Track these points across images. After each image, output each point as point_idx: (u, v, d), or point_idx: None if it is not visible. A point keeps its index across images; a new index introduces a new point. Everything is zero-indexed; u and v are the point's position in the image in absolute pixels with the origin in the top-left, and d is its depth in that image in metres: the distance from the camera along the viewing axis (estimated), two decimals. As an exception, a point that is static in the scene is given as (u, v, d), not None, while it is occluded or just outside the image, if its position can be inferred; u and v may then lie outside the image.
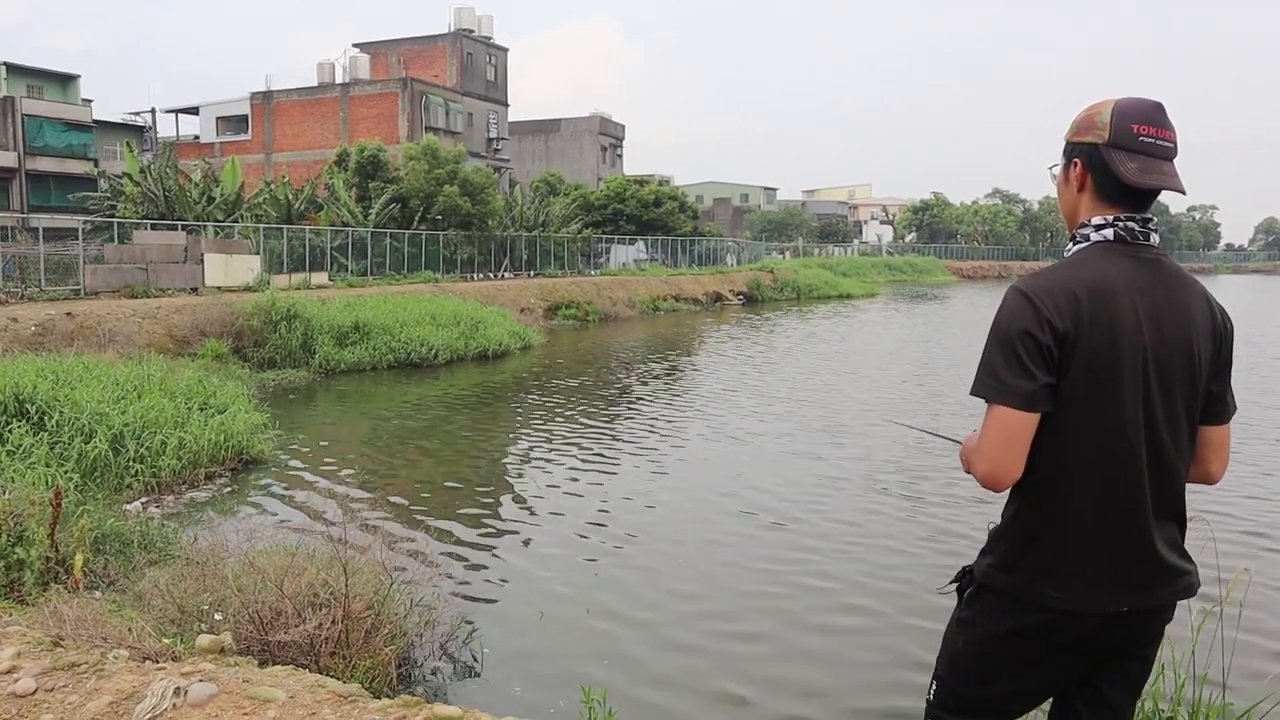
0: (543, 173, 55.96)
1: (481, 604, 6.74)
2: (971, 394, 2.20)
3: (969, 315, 40.44)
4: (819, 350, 24.97)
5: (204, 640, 4.34)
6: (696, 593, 7.04)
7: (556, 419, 14.12)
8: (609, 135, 68.99)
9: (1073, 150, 2.33)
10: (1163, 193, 2.27)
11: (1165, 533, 2.25)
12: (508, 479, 10.71)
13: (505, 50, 57.11)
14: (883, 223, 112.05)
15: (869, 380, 18.87)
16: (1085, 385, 2.16)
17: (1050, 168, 2.43)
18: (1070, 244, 2.35)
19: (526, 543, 8.29)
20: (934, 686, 2.47)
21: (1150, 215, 2.29)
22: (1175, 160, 2.27)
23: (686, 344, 27.12)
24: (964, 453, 2.30)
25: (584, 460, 11.39)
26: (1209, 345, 2.28)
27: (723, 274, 48.46)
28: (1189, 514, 2.31)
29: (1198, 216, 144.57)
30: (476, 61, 53.99)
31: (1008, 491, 2.27)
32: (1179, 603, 2.32)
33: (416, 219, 33.90)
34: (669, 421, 14.02)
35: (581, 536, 8.43)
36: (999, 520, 2.35)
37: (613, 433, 13.12)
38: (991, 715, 2.41)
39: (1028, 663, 2.31)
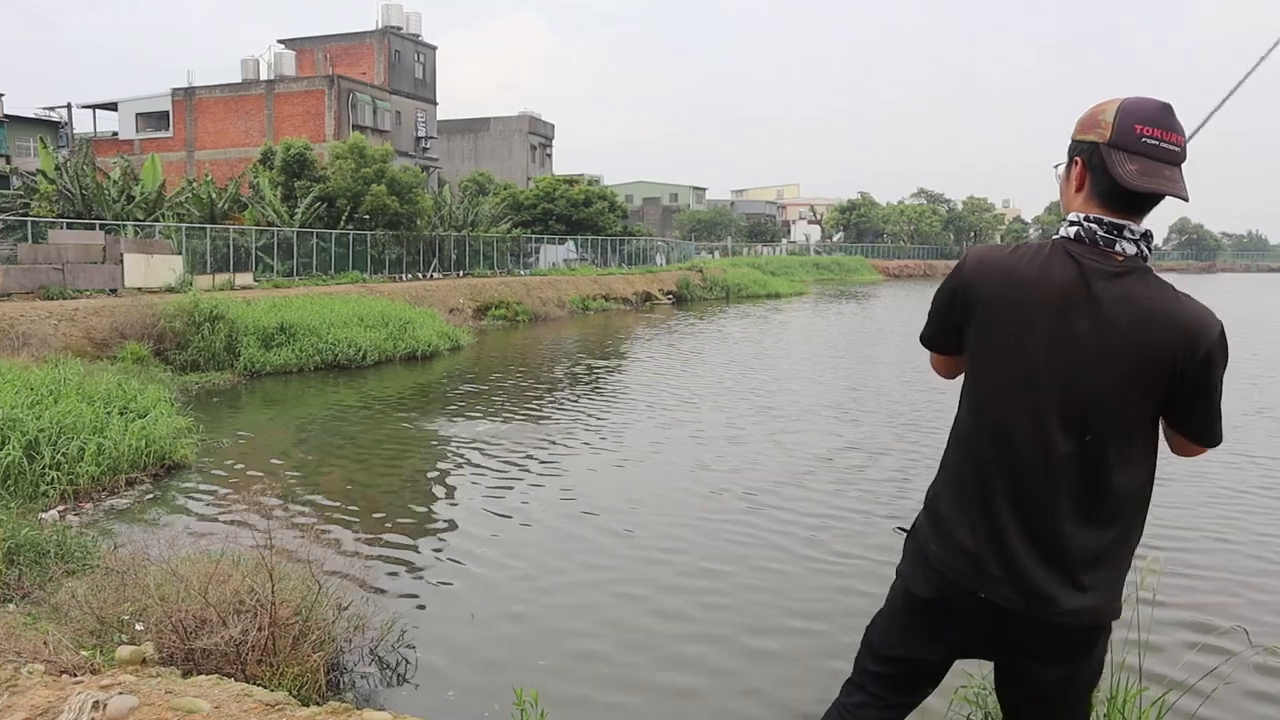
0: (471, 172, 55.63)
1: (413, 606, 6.68)
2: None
3: (896, 314, 41.07)
4: (749, 349, 25.16)
5: (124, 651, 4.24)
6: (632, 592, 7.06)
7: (486, 420, 14.04)
8: (538, 134, 68.76)
9: (1074, 148, 2.26)
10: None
11: (1044, 540, 2.17)
12: (437, 480, 10.62)
13: (434, 48, 56.56)
14: (810, 222, 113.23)
15: (802, 377, 19.06)
16: (980, 355, 2.31)
17: (1055, 166, 2.36)
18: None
19: (458, 544, 8.23)
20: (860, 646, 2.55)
21: (1126, 224, 2.19)
22: (1182, 165, 2.18)
23: (617, 344, 27.14)
24: None
25: (514, 461, 11.34)
26: (1150, 367, 2.13)
27: (652, 273, 48.56)
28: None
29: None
30: (404, 59, 53.39)
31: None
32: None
33: (343, 218, 33.41)
34: (600, 420, 14.03)
35: (513, 536, 8.41)
36: None
37: (543, 432, 13.09)
38: (894, 684, 2.44)
39: (922, 626, 2.36)
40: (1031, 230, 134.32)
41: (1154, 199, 2.17)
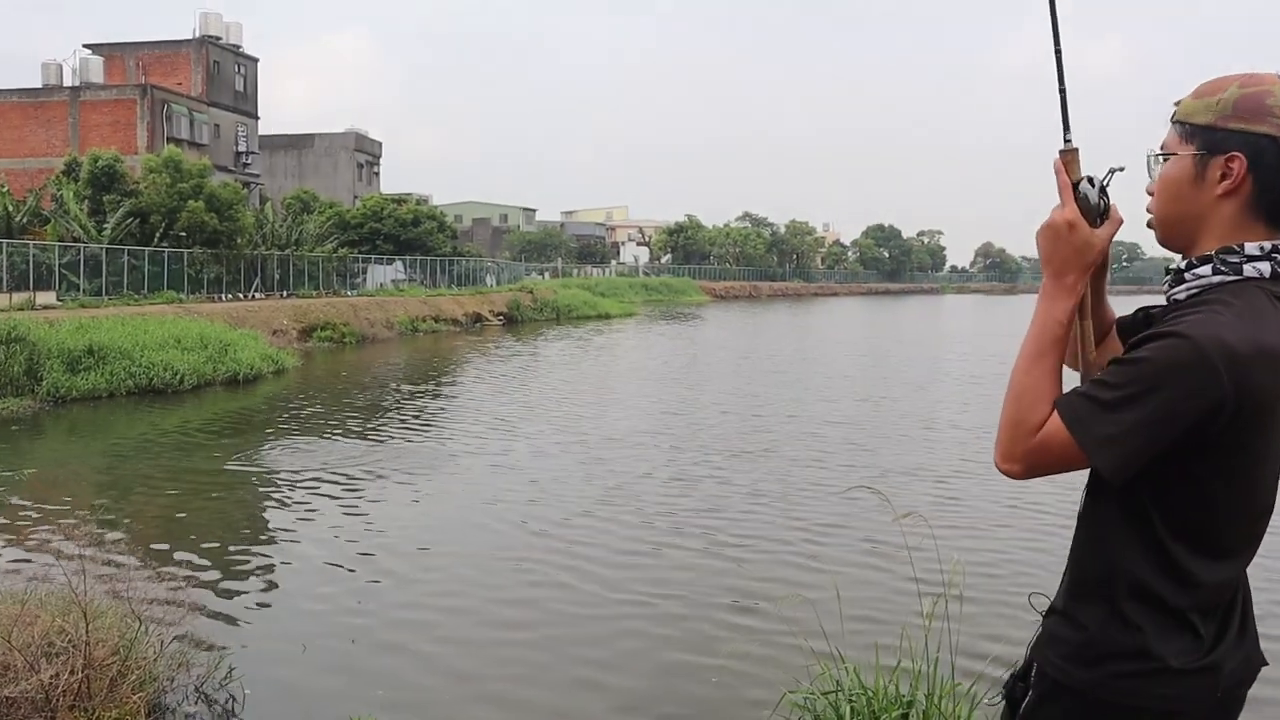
0: (295, 189, 54.07)
1: (241, 640, 6.58)
2: None
3: (719, 333, 42.23)
4: (574, 372, 25.45)
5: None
6: (465, 622, 7.12)
7: (310, 447, 13.77)
8: (365, 152, 67.52)
9: (1225, 139, 1.66)
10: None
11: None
12: (262, 508, 10.40)
13: (255, 60, 54.86)
14: (639, 244, 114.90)
15: (621, 403, 19.43)
16: (1240, 473, 1.71)
17: (1156, 155, 1.80)
18: (1192, 269, 1.73)
19: (286, 574, 8.12)
20: None
21: None
22: None
23: (444, 367, 26.98)
24: None
25: (338, 489, 11.19)
26: None
27: (482, 294, 48.38)
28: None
29: (926, 240, 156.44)
30: (224, 70, 51.58)
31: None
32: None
33: (158, 235, 32.03)
34: (429, 445, 13.98)
35: (343, 566, 8.33)
36: None
37: (372, 457, 12.95)
38: None
39: None
40: (850, 253, 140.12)
41: None
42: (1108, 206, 1.76)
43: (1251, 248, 1.67)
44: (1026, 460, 1.71)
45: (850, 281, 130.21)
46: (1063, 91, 1.81)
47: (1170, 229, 1.79)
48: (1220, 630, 1.74)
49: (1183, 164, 1.72)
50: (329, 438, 14.51)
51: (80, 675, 4.86)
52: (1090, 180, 1.76)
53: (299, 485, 11.33)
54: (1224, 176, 1.67)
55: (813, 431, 15.42)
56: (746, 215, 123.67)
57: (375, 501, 10.68)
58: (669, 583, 7.91)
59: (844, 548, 8.79)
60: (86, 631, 4.95)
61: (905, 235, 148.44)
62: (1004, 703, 1.94)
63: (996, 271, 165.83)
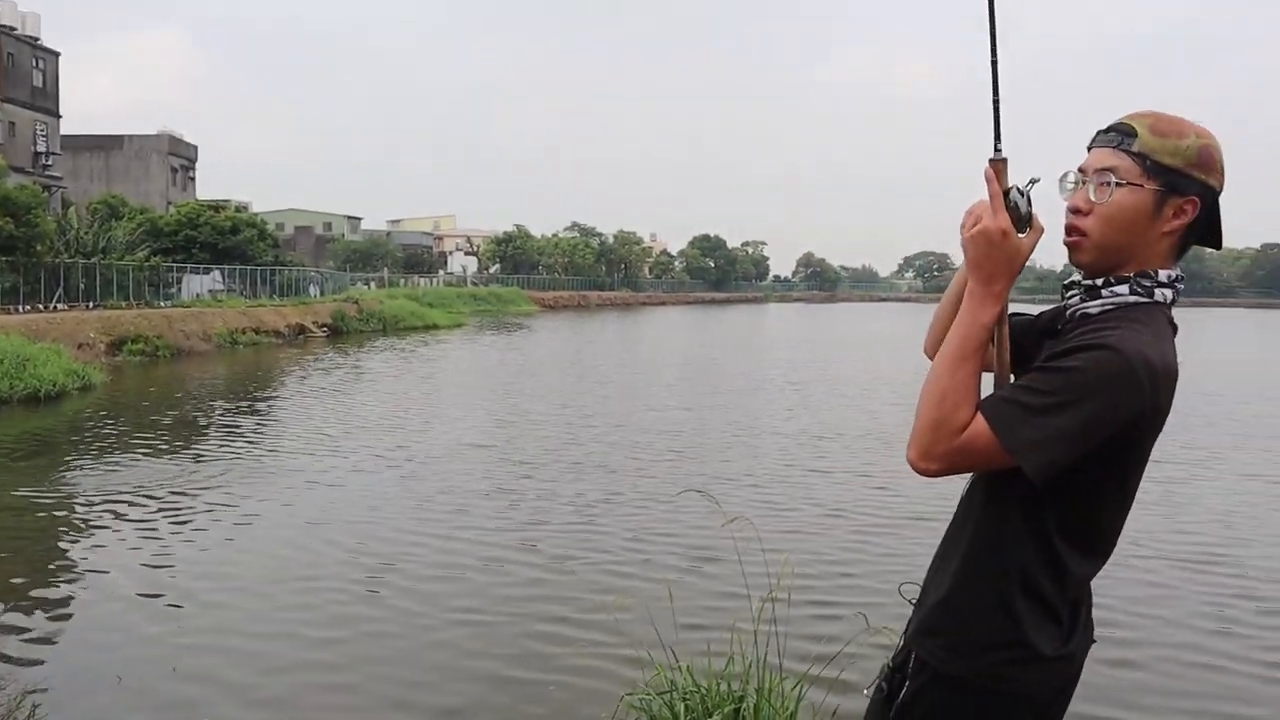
0: (102, 194, 51.26)
1: (48, 674, 6.25)
2: None
3: (548, 343, 42.32)
4: (401, 384, 25.08)
5: None
6: (286, 646, 6.95)
7: (120, 466, 13.13)
8: (180, 156, 64.64)
9: (1186, 184, 1.82)
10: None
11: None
12: (66, 535, 9.87)
13: (56, 54, 51.77)
14: (467, 254, 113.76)
15: (448, 416, 19.29)
16: (1128, 479, 1.90)
17: (1112, 182, 1.84)
18: (1109, 286, 1.88)
19: (92, 605, 7.73)
20: None
21: None
22: None
23: (266, 379, 26.11)
24: None
25: (153, 510, 10.71)
26: None
27: (306, 305, 46.92)
28: None
29: (750, 251, 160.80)
30: (20, 64, 48.41)
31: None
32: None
33: (-55, 242, 29.79)
34: (246, 463, 13.52)
35: (153, 593, 7.99)
36: None
37: (185, 478, 12.43)
38: None
39: None
40: (677, 263, 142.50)
41: None
42: (1032, 216, 1.84)
43: (1163, 275, 1.85)
44: (947, 459, 1.80)
45: (677, 290, 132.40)
46: (996, 103, 1.90)
47: (1108, 254, 1.87)
48: (1074, 621, 1.93)
49: (1142, 198, 1.82)
50: (139, 458, 13.84)
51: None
52: (1019, 190, 1.84)
53: (106, 509, 10.78)
54: (1176, 216, 1.83)
55: (640, 440, 15.72)
56: (575, 225, 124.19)
57: (188, 524, 10.26)
58: (499, 597, 7.95)
59: (675, 554, 9.03)
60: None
61: (730, 245, 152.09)
62: (879, 695, 2.08)
63: (817, 280, 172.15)
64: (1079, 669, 1.99)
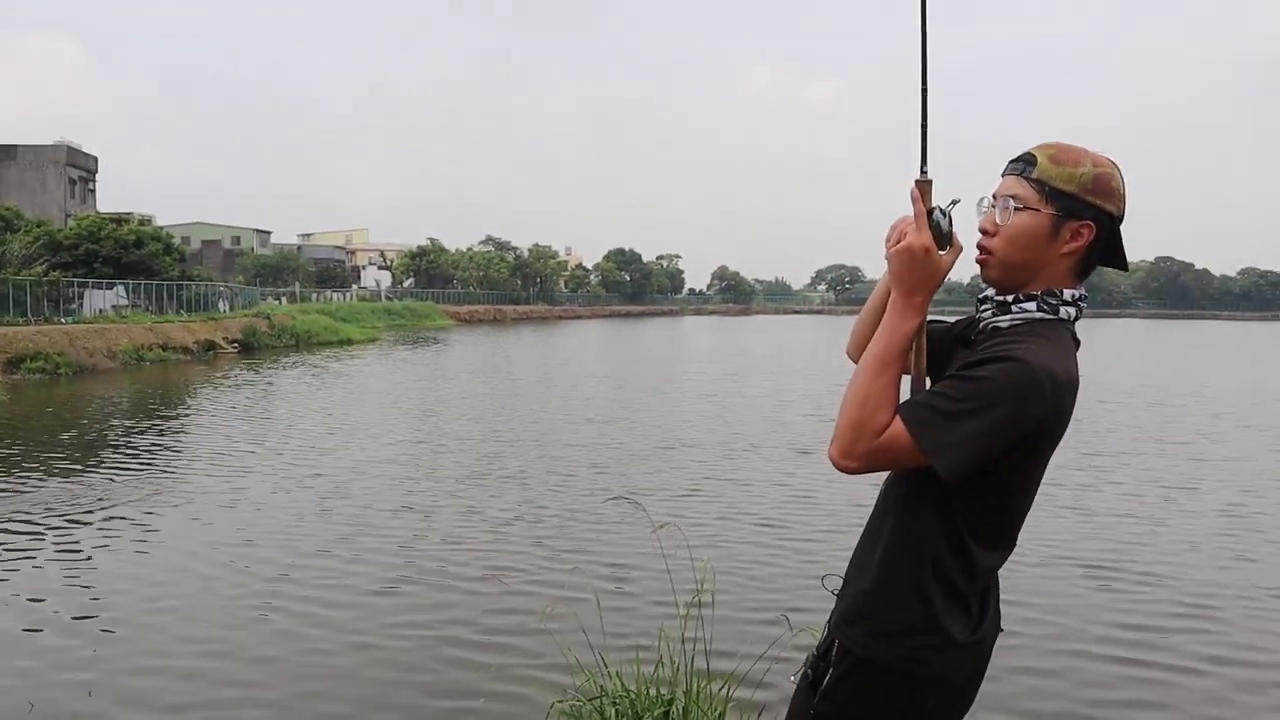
0: (-4, 206, 49.45)
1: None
2: None
3: (464, 357, 42.01)
4: (318, 400, 24.68)
5: None
6: (196, 686, 6.75)
7: (23, 488, 12.70)
8: (79, 167, 62.76)
9: (1083, 209, 1.97)
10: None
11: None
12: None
13: (-56, 65, 49.87)
14: (381, 268, 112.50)
15: (364, 432, 19.05)
16: (1030, 477, 2.07)
17: (1013, 206, 2.00)
18: (1018, 303, 2.04)
19: (4, 626, 7.48)
20: None
21: None
22: None
23: (174, 397, 25.46)
24: None
25: (52, 537, 10.38)
26: None
27: (215, 320, 45.87)
28: None
29: (665, 264, 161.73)
30: (-94, 75, 46.56)
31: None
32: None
33: None
34: (151, 485, 13.15)
35: (62, 615, 7.78)
36: None
37: (86, 501, 12.05)
38: None
39: None
40: (593, 276, 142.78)
41: None
42: (952, 234, 1.99)
43: (1068, 294, 2.01)
44: (866, 458, 1.93)
45: (594, 304, 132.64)
46: (924, 127, 2.05)
47: (1012, 271, 2.03)
48: (983, 609, 2.08)
49: (1040, 220, 1.98)
50: (42, 479, 13.40)
51: None
52: (941, 210, 1.98)
53: (6, 533, 10.43)
54: (1073, 238, 1.98)
55: (559, 455, 15.70)
56: (490, 239, 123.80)
57: (92, 546, 9.92)
58: (421, 616, 7.88)
59: (600, 564, 9.06)
60: None
61: (645, 259, 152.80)
62: (804, 682, 2.21)
63: (732, 294, 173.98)
64: (988, 655, 2.14)
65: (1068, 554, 9.60)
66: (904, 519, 2.06)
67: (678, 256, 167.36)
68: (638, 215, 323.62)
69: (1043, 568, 9.08)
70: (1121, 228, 2.03)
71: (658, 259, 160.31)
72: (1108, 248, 2.02)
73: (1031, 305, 2.02)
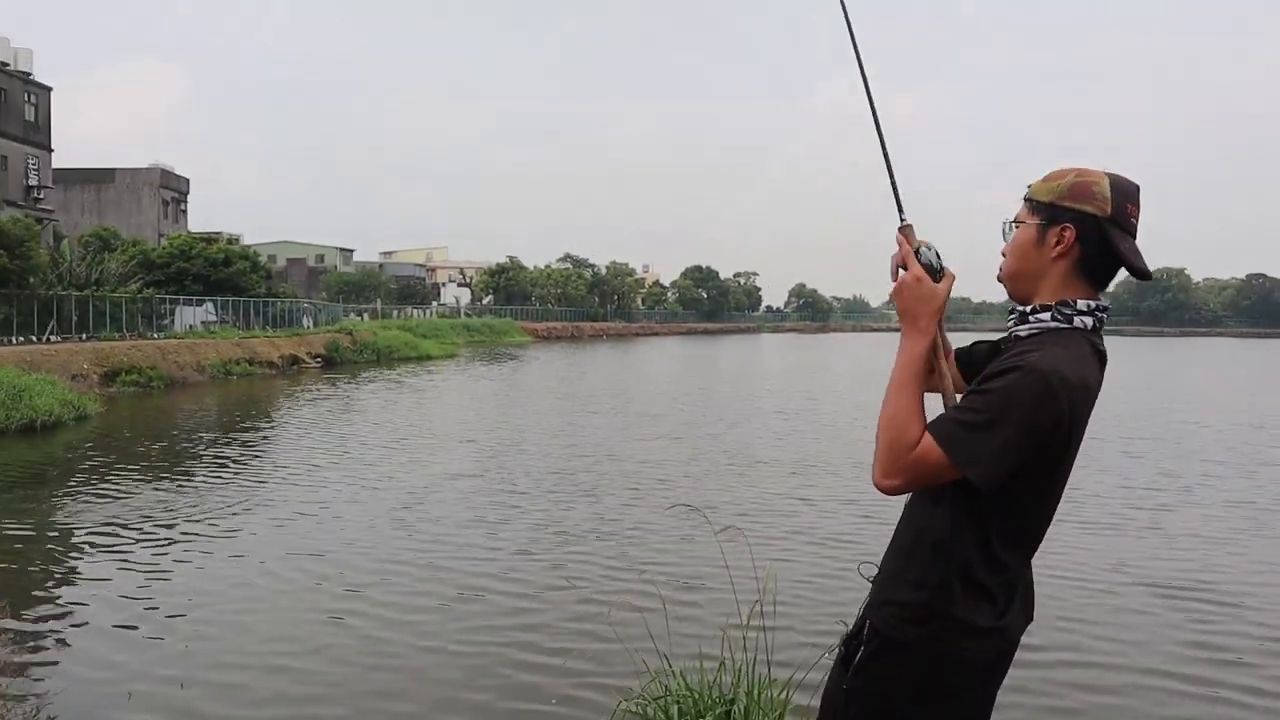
0: (94, 227, 51.48)
1: (59, 689, 6.36)
2: None
3: (542, 374, 42.45)
4: (398, 413, 25.20)
5: None
6: (280, 681, 7.00)
7: (114, 496, 13.24)
8: (172, 189, 64.95)
9: (1061, 214, 2.15)
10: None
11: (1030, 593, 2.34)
12: (68, 559, 9.98)
13: (49, 89, 52.14)
14: (460, 285, 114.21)
15: (447, 441, 19.42)
16: (1048, 480, 2.20)
17: (1010, 222, 2.28)
18: (1035, 313, 2.20)
19: (100, 624, 7.85)
20: None
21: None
22: None
23: (260, 410, 26.21)
24: None
25: (155, 534, 10.85)
26: None
27: (300, 336, 47.08)
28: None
29: (743, 281, 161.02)
30: (12, 98, 48.80)
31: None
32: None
33: (-61, 274, 29.94)
34: (238, 494, 13.62)
35: (159, 610, 8.15)
36: None
37: (178, 507, 12.54)
38: None
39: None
40: (670, 294, 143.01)
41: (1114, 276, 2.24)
42: (943, 266, 2.23)
43: (1081, 304, 2.16)
44: (904, 475, 2.11)
45: (670, 321, 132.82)
46: (893, 180, 2.31)
47: (1016, 282, 2.25)
48: (1009, 600, 2.22)
49: (1029, 231, 2.21)
50: (132, 488, 13.96)
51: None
52: (928, 246, 2.24)
53: (111, 531, 10.93)
54: (1058, 242, 2.16)
55: (629, 470, 15.85)
56: (568, 256, 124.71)
57: (180, 555, 10.35)
58: (493, 621, 8.10)
59: (667, 571, 9.20)
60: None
61: (723, 276, 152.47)
62: (838, 659, 2.37)
63: (809, 311, 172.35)
64: (1014, 641, 2.28)
65: (1143, 577, 9.45)
66: (935, 516, 2.21)
67: (755, 274, 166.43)
68: (714, 233, 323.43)
69: (1117, 591, 8.95)
70: (1131, 234, 2.17)
71: (735, 276, 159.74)
72: (1103, 249, 2.15)
73: (1046, 315, 2.18)
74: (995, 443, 2.03)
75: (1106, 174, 2.19)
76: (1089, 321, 2.17)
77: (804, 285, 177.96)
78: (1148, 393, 32.48)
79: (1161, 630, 7.87)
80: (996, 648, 2.23)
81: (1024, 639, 2.35)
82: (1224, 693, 6.55)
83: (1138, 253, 2.17)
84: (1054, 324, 2.17)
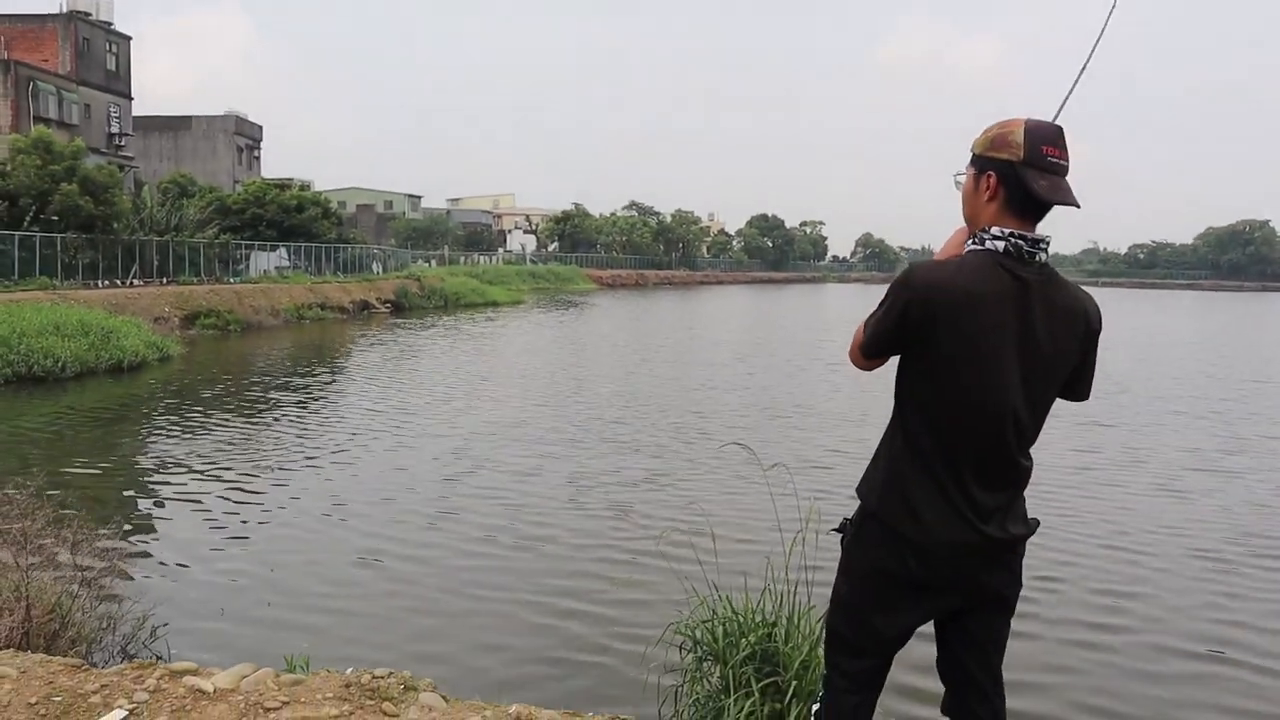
0: (172, 173, 52.69)
1: (163, 604, 6.92)
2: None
3: (608, 321, 42.89)
4: (468, 358, 25.80)
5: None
6: (369, 590, 7.61)
7: (200, 430, 13.95)
8: (245, 135, 66.05)
9: (985, 163, 2.57)
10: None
11: (993, 488, 2.61)
12: (163, 489, 10.64)
13: (128, 38, 53.18)
14: (526, 232, 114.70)
15: (515, 386, 19.93)
16: (943, 363, 2.55)
17: (955, 175, 2.70)
18: (970, 240, 2.62)
19: (196, 546, 8.49)
20: (825, 633, 2.92)
21: (1043, 236, 2.55)
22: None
23: (332, 354, 27.01)
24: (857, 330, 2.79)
25: (231, 471, 11.50)
26: (1073, 346, 2.61)
27: (369, 282, 48.01)
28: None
29: (809, 231, 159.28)
30: (94, 48, 49.90)
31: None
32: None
33: (28, 219, 31.04)
34: (320, 429, 14.27)
35: (248, 537, 8.76)
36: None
37: (261, 443, 13.21)
38: (872, 654, 2.79)
39: (893, 598, 2.70)
40: (735, 242, 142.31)
41: (1049, 208, 2.55)
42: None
43: (995, 230, 2.56)
44: (855, 354, 2.82)
45: (735, 270, 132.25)
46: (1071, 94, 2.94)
47: (969, 223, 2.69)
48: (969, 501, 2.58)
49: (969, 181, 2.67)
50: (214, 424, 14.67)
51: (22, 629, 5.22)
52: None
53: (194, 466, 11.59)
54: (987, 187, 2.58)
55: (683, 421, 16.20)
56: (633, 204, 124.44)
57: (257, 487, 11.01)
58: (564, 550, 8.57)
59: (719, 507, 9.62)
60: (26, 589, 5.32)
61: (788, 225, 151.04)
62: (843, 529, 2.88)
63: (876, 261, 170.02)
64: (983, 549, 2.62)
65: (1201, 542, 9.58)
66: (892, 413, 2.76)
67: (821, 223, 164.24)
68: (782, 181, 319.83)
69: (1166, 555, 9.10)
70: (1053, 171, 2.52)
71: (800, 225, 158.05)
72: (1020, 189, 2.51)
73: (971, 241, 2.63)
74: (875, 317, 2.66)
75: (1025, 121, 2.55)
76: (1000, 245, 2.54)
77: (871, 235, 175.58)
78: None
79: (1213, 597, 8.04)
80: (951, 545, 2.60)
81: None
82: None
83: (1058, 188, 2.52)
84: (972, 246, 2.61)
